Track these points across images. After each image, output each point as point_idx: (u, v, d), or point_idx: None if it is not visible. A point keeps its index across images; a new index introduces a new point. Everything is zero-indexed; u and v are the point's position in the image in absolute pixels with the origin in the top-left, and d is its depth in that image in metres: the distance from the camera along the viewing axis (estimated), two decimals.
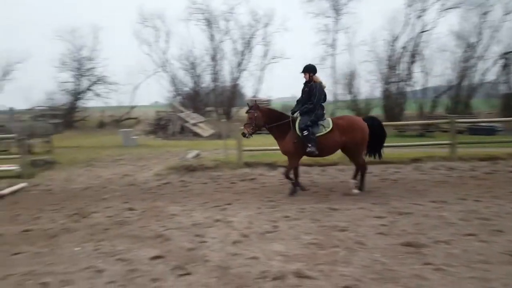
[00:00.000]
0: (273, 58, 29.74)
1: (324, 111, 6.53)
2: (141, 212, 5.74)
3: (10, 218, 5.70)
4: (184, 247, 4.24)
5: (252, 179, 7.82)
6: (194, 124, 19.00)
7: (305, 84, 6.51)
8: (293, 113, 6.59)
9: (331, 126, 6.27)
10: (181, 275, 3.54)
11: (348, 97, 27.63)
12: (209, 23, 28.12)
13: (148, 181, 8.19)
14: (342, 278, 3.32)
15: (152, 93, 65.88)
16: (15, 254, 4.20)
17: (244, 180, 7.80)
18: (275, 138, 6.62)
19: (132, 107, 27.88)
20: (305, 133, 6.16)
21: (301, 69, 6.48)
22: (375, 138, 6.51)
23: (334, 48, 28.43)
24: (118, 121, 25.65)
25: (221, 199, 6.33)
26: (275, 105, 25.81)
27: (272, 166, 8.44)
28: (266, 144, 8.97)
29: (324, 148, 6.29)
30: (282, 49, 32.41)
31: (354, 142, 6.29)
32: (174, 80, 28.31)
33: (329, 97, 29.75)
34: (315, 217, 5.11)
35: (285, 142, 6.42)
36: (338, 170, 8.29)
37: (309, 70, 6.42)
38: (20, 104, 37.07)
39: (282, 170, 8.30)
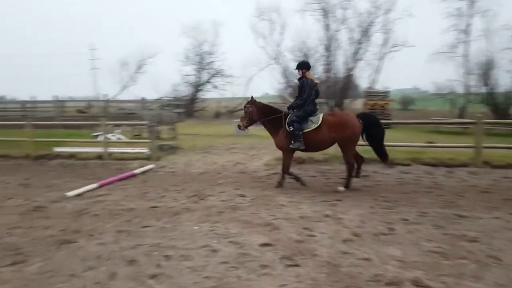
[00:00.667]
0: (393, 47, 27.75)
1: (317, 107, 6.60)
2: (251, 199, 5.92)
3: (140, 194, 6.43)
4: (292, 238, 4.22)
5: (365, 176, 7.41)
6: None
7: (298, 80, 6.67)
8: (288, 108, 6.62)
9: (319, 122, 6.29)
10: (290, 265, 3.53)
11: (483, 90, 24.30)
12: (325, 12, 27.57)
13: (258, 170, 8.42)
14: None
15: (264, 85, 68.20)
16: (144, 226, 4.71)
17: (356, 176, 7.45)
18: (270, 132, 6.82)
19: (245, 99, 29.19)
20: (291, 128, 6.29)
21: (295, 66, 6.68)
22: (372, 136, 6.40)
23: (468, 35, 25.29)
24: (232, 111, 27.18)
25: (331, 194, 6.15)
26: (394, 97, 24.13)
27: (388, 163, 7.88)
28: (395, 137, 8.42)
29: (312, 143, 6.35)
30: (404, 37, 29.92)
31: (343, 138, 6.26)
32: (285, 72, 28.72)
33: (460, 89, 26.65)
34: (438, 224, 4.58)
35: (278, 137, 6.60)
36: (468, 172, 7.36)
37: (302, 66, 6.54)
38: (150, 94, 42.11)
39: (398, 168, 7.78)
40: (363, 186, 6.72)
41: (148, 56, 35.26)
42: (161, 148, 10.22)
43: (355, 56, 27.56)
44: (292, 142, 6.33)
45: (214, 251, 3.87)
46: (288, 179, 6.78)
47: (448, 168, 7.68)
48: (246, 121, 6.82)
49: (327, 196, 6.00)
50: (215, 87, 29.46)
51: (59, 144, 11.23)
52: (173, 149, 10.46)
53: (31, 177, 8.12)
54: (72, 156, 10.34)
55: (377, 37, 28.19)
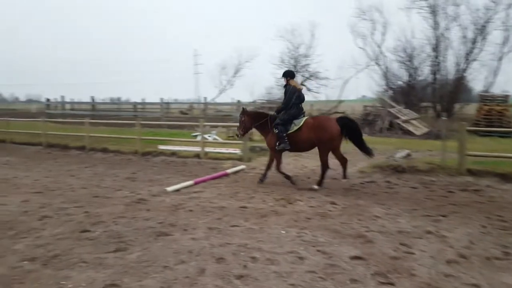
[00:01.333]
0: None
1: (303, 111, 7.23)
2: (342, 208, 5.64)
3: (232, 194, 6.60)
4: (387, 253, 3.87)
5: (477, 190, 6.55)
6: (406, 121, 17.63)
7: (284, 87, 7.33)
8: (275, 112, 7.33)
9: (300, 125, 6.90)
10: (383, 283, 3.23)
11: None
12: (434, 9, 25.21)
13: (351, 177, 8.02)
14: None
15: (361, 87, 65.59)
16: (233, 226, 4.79)
17: (465, 190, 6.62)
18: (262, 135, 7.69)
19: (340, 102, 28.44)
20: (276, 131, 6.96)
21: (281, 74, 7.39)
22: (352, 138, 7.05)
23: None
24: (326, 114, 26.67)
25: (434, 209, 5.53)
26: None
27: (505, 177, 6.86)
28: (497, 149, 7.36)
29: (295, 143, 6.99)
30: None
31: (320, 140, 6.82)
32: (386, 74, 27.10)
33: None
34: None
35: (268, 138, 7.34)
36: None
37: (287, 75, 7.29)
38: (246, 97, 43.64)
39: None
40: (473, 202, 5.92)
41: (245, 60, 36.69)
42: (252, 149, 10.42)
43: (468, 57, 24.58)
44: (277, 143, 7.00)
45: (301, 258, 3.74)
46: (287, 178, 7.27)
47: None
48: (241, 129, 7.62)
49: (430, 211, 5.42)
50: (309, 89, 29.27)
51: (163, 142, 12.23)
52: (264, 151, 10.57)
53: (137, 172, 8.94)
54: (173, 154, 11.14)
55: (495, 36, 24.87)
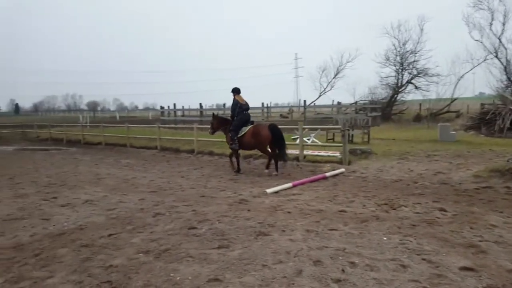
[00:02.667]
0: None
1: (250, 119, 9.44)
2: (453, 215, 5.13)
3: (330, 197, 6.51)
4: (504, 266, 3.43)
5: None
6: None
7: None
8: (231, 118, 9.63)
9: (245, 132, 9.12)
10: None
11: None
12: None
13: (464, 181, 7.26)
14: None
15: (478, 84, 58.38)
16: (331, 229, 4.73)
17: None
18: (224, 134, 9.87)
19: (453, 100, 25.74)
20: (230, 134, 9.30)
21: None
22: (276, 142, 8.96)
23: None
24: (436, 114, 24.39)
25: None
26: None
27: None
28: None
29: (241, 144, 9.25)
30: None
31: (258, 142, 9.05)
32: (507, 68, 23.69)
33: None
34: None
35: (227, 138, 9.68)
36: None
37: (233, 91, 9.47)
38: (347, 98, 42.36)
39: None
40: None
41: (346, 61, 35.75)
42: (352, 152, 10.12)
43: None
44: (230, 144, 9.40)
45: (404, 266, 3.52)
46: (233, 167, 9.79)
47: None
48: (211, 129, 10.18)
49: None
50: (417, 88, 27.06)
51: None
52: (365, 154, 10.18)
53: (240, 174, 9.40)
54: None
55: None
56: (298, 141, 11.95)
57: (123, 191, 7.61)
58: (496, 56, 24.48)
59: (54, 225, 5.30)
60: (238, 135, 9.19)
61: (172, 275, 3.58)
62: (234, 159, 9.71)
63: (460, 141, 13.58)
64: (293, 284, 3.27)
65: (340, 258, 3.79)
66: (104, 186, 8.27)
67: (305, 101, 28.54)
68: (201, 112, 30.41)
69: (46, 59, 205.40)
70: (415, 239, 4.23)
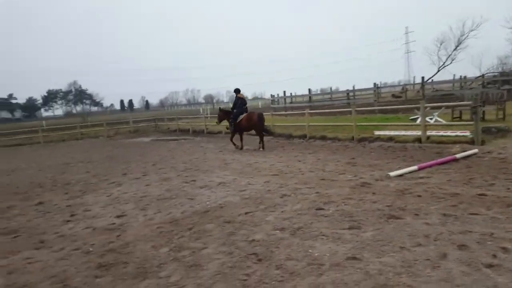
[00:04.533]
0: None
1: (246, 110, 13.16)
2: None
3: (465, 180, 6.02)
4: None
5: None
6: None
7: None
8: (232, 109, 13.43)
9: (241, 118, 12.84)
10: None
11: None
12: None
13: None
14: None
15: None
16: (472, 214, 4.40)
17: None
18: (228, 122, 13.71)
19: None
20: (230, 121, 13.36)
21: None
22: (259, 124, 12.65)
23: None
24: None
25: None
26: None
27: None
28: None
29: (241, 127, 13.09)
30: None
31: (251, 125, 12.78)
32: None
33: None
34: None
35: (229, 125, 13.57)
36: None
37: (235, 91, 13.42)
38: (471, 72, 37.68)
39: None
40: None
41: (469, 30, 31.80)
42: (487, 130, 9.07)
43: None
44: (230, 127, 13.38)
45: None
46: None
47: None
48: (218, 120, 14.17)
49: None
50: None
51: (378, 128, 12.19)
52: (502, 132, 9.04)
53: (356, 157, 9.26)
54: (391, 139, 10.95)
55: None
56: (419, 120, 11.22)
57: (249, 175, 8.17)
58: None
59: (198, 204, 6.03)
60: (237, 121, 12.85)
61: (310, 251, 3.80)
62: (234, 141, 13.34)
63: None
64: (438, 267, 3.19)
65: (489, 243, 3.54)
66: (232, 170, 9.00)
67: (423, 77, 26.28)
68: (309, 97, 30.44)
69: (165, 58, 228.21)
70: None
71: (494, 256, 3.25)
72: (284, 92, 31.72)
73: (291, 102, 32.47)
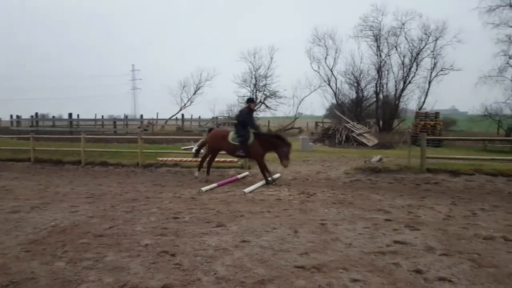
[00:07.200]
0: (441, 70, 29.57)
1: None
2: (353, 196, 7.68)
3: (257, 192, 8.33)
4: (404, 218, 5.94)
5: (436, 183, 9.02)
6: (359, 134, 20.67)
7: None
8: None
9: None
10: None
11: None
12: (378, 38, 29.66)
13: (340, 177, 10.17)
14: None
15: (315, 105, 70.01)
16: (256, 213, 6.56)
17: (428, 183, 9.08)
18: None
19: (296, 118, 31.44)
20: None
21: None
22: None
23: None
24: (283, 130, 29.23)
25: (414, 194, 7.84)
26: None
27: (454, 173, 9.44)
28: (448, 153, 10.01)
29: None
30: (453, 61, 30.83)
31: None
32: (337, 93, 30.85)
33: (508, 111, 27.75)
34: (510, 211, 6.29)
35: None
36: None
37: (248, 101, 10.00)
38: (206, 114, 45.13)
39: (463, 177, 9.32)
40: (437, 190, 8.38)
41: (205, 79, 38.41)
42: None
43: (405, 80, 29.32)
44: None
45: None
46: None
47: (507, 177, 9.11)
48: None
49: (412, 195, 7.74)
50: (268, 107, 31.97)
51: (161, 155, 13.50)
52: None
53: (156, 180, 10.25)
54: (176, 164, 12.44)
55: (426, 62, 29.97)
56: (194, 149, 13.32)
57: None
58: (329, 84, 31.36)
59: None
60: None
61: (207, 243, 4.68)
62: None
63: (316, 150, 17.39)
64: (271, 231, 4.98)
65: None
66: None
67: (183, 114, 29.53)
68: (71, 122, 27.64)
69: None
70: (345, 208, 6.48)
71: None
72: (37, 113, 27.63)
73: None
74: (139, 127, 34.37)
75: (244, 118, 9.60)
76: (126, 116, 35.31)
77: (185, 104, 39.02)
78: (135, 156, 13.12)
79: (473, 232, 5.04)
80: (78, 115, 28.54)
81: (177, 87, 41.17)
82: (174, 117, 35.94)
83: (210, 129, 10.62)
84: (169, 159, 12.97)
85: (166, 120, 30.69)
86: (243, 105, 10.24)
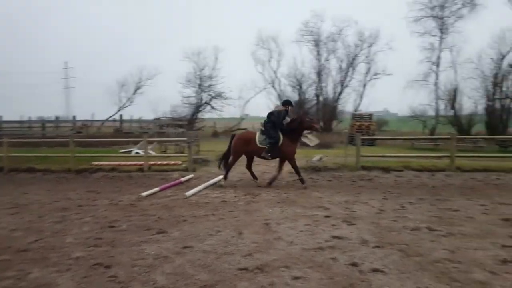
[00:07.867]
0: (375, 75, 31.47)
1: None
2: (295, 195, 7.90)
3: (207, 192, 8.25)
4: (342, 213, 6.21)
5: (370, 179, 9.57)
6: (302, 135, 21.31)
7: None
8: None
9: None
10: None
11: (450, 113, 28.22)
12: (317, 43, 30.92)
13: (284, 177, 10.39)
14: None
15: (260, 106, 70.20)
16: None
17: (362, 179, 9.61)
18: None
19: (242, 119, 31.67)
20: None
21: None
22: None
23: (438, 66, 29.26)
24: (229, 131, 29.23)
25: (351, 191, 8.25)
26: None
27: (386, 170, 10.11)
28: (381, 152, 10.66)
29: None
30: (385, 66, 33.15)
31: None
32: (281, 95, 31.61)
33: (431, 112, 30.71)
34: (433, 203, 6.88)
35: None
36: (445, 175, 9.80)
37: (285, 103, 9.75)
38: (148, 114, 43.47)
39: (394, 173, 9.96)
40: (370, 186, 8.89)
41: (146, 78, 36.96)
42: (195, 161, 12.02)
43: (342, 83, 30.93)
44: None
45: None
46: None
47: (430, 172, 9.95)
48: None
49: (348, 192, 8.16)
50: (214, 108, 31.78)
51: (97, 159, 12.80)
52: (205, 162, 12.28)
53: (91, 187, 9.65)
54: (113, 169, 11.85)
55: (361, 66, 31.90)
56: (134, 152, 12.90)
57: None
58: (273, 86, 32.04)
59: None
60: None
61: (146, 251, 4.50)
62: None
63: None
64: (215, 235, 4.99)
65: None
66: None
67: (121, 115, 28.16)
68: None
69: None
70: (288, 207, 6.63)
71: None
72: None
73: None
74: (71, 129, 32.40)
75: (279, 120, 9.27)
76: (57, 118, 32.96)
77: (124, 104, 37.33)
78: (66, 161, 12.30)
79: (402, 224, 5.44)
80: (1, 116, 26.09)
81: (115, 86, 38.98)
82: (112, 118, 34.26)
83: (233, 136, 9.93)
84: (106, 163, 12.36)
85: (103, 122, 29.19)
86: (279, 107, 9.74)
